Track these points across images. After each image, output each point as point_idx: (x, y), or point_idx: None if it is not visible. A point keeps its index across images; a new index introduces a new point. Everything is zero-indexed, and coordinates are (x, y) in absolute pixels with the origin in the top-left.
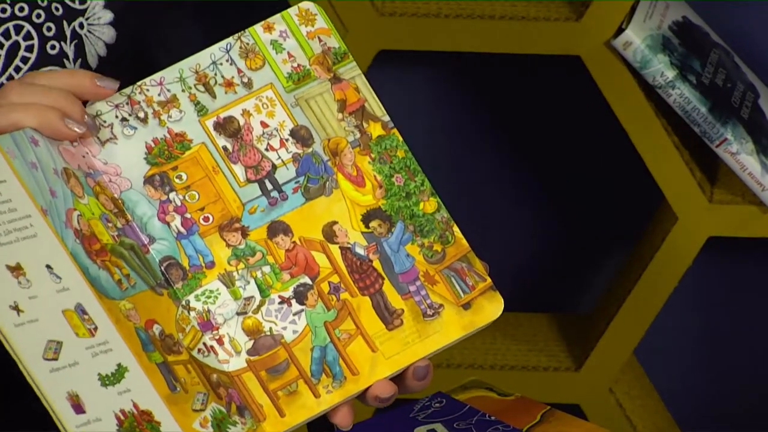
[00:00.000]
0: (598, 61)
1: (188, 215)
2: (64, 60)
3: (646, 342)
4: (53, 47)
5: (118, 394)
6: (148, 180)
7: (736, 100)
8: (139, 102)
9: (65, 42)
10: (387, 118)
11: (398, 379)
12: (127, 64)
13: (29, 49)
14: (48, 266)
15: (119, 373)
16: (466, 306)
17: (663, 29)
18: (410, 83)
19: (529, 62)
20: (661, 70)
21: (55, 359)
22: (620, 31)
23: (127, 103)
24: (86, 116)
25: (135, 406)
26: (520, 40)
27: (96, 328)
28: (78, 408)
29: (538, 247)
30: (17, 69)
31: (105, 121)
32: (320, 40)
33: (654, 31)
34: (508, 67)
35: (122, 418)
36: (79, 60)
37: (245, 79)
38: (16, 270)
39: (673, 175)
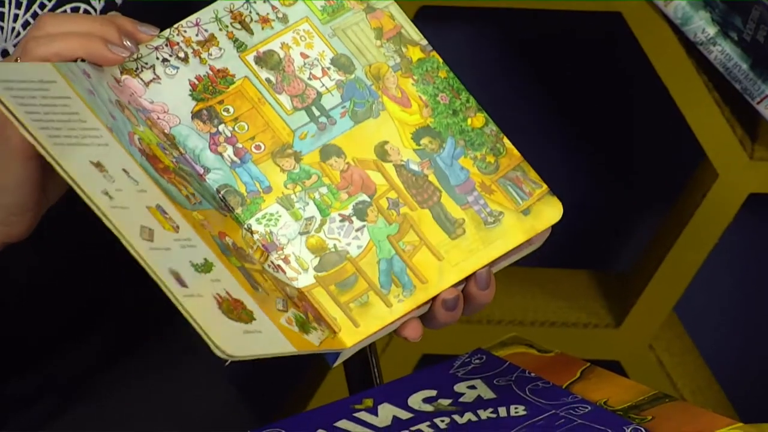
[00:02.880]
0: (640, 17)
1: (240, 145)
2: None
3: (686, 299)
4: None
5: (211, 281)
6: (196, 114)
7: None
8: (177, 43)
9: None
10: (425, 41)
11: (462, 293)
12: (153, 6)
13: None
14: (124, 170)
15: (207, 265)
16: (526, 212)
17: None
18: (451, 39)
19: (571, 19)
20: (702, 26)
21: (151, 240)
22: None
23: (166, 45)
24: (125, 40)
25: (228, 293)
26: None
27: (178, 227)
28: (181, 282)
29: (578, 204)
30: (41, 6)
31: (146, 63)
32: None
33: None
34: (548, 23)
35: (219, 300)
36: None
37: (280, 15)
38: (99, 166)
39: (713, 132)
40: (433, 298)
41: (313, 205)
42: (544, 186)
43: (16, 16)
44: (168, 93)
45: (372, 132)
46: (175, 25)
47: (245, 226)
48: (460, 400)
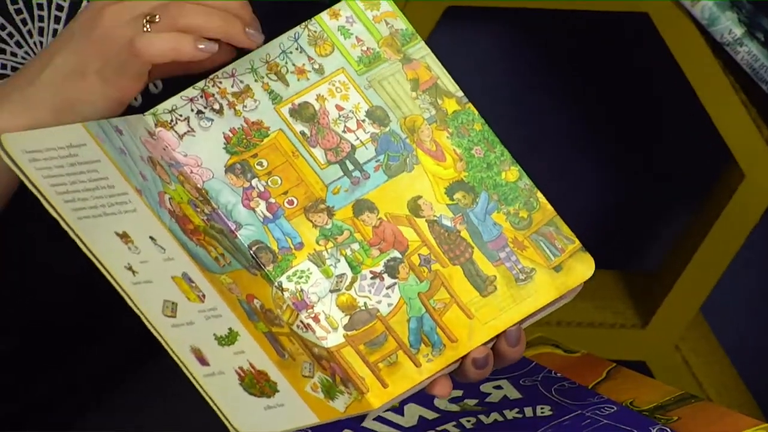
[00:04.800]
0: (667, 18)
1: (272, 200)
2: None
3: (712, 299)
4: None
5: (234, 354)
6: (230, 169)
7: None
8: (213, 94)
9: None
10: (461, 93)
11: (492, 350)
12: None
13: None
14: (151, 237)
15: (232, 336)
16: (558, 268)
17: None
18: (478, 40)
19: (598, 19)
20: (729, 27)
21: (174, 317)
22: None
23: (202, 96)
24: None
25: (251, 365)
26: None
27: (204, 296)
28: (202, 360)
29: (605, 204)
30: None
31: (181, 115)
32: (387, 23)
33: None
34: (575, 24)
35: (242, 374)
36: None
37: (316, 66)
38: (124, 237)
39: (740, 133)
40: (463, 357)
41: (344, 261)
42: (577, 242)
43: (55, 31)
44: (202, 146)
45: (405, 186)
46: (211, 76)
47: (276, 283)
48: (486, 400)
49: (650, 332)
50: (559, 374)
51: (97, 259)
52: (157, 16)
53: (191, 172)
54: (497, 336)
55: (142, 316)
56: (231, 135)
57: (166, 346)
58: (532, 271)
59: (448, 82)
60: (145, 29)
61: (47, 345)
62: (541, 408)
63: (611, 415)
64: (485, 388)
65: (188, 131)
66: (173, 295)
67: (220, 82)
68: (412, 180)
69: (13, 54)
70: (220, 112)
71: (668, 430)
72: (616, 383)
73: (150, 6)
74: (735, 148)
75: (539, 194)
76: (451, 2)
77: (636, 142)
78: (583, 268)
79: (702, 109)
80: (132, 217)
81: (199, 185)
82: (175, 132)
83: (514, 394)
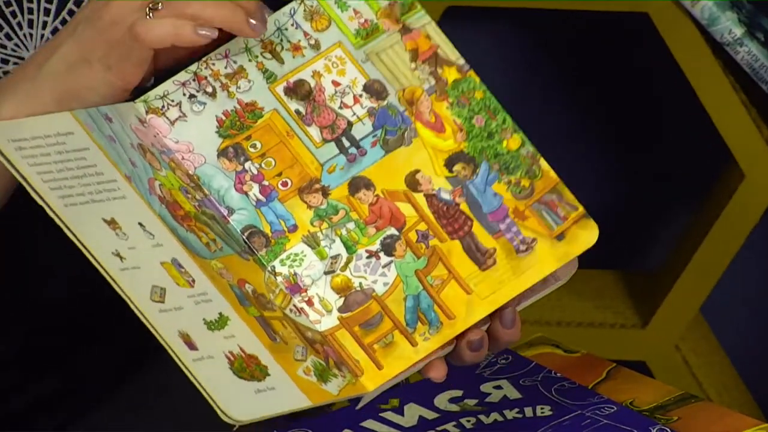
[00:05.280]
0: (667, 18)
1: (266, 182)
2: None
3: (712, 299)
4: None
5: (224, 338)
6: (222, 153)
7: None
8: (206, 77)
9: None
10: (462, 61)
11: (487, 332)
12: None
13: None
14: (140, 224)
15: (222, 320)
16: (560, 237)
17: None
18: (478, 40)
19: (597, 19)
20: (729, 27)
21: (162, 302)
22: None
23: (194, 80)
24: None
25: (242, 350)
26: None
27: (194, 281)
28: (191, 345)
29: (604, 204)
30: (70, 12)
31: (173, 100)
32: None
33: None
34: (575, 24)
35: (231, 358)
36: None
37: (312, 41)
38: (112, 223)
39: (740, 133)
40: (458, 338)
41: (339, 242)
42: (581, 208)
43: (45, 23)
44: (194, 131)
45: (403, 161)
46: (204, 58)
47: (269, 268)
48: (486, 400)
49: (650, 332)
50: (559, 374)
51: (84, 246)
52: (160, 4)
53: (183, 158)
54: (492, 317)
55: (129, 302)
56: (224, 118)
57: (153, 331)
58: (533, 241)
59: (449, 50)
60: (148, 17)
61: (48, 345)
62: (541, 408)
63: (611, 415)
64: (485, 388)
65: (180, 116)
66: (162, 280)
67: (213, 64)
68: (411, 154)
69: (3, 46)
70: (212, 95)
71: (668, 430)
72: (616, 383)
73: None
74: (735, 148)
75: (542, 161)
76: (451, 2)
77: (636, 142)
78: (587, 234)
79: (702, 109)
80: (121, 203)
81: (190, 171)
82: (167, 118)
83: (514, 394)
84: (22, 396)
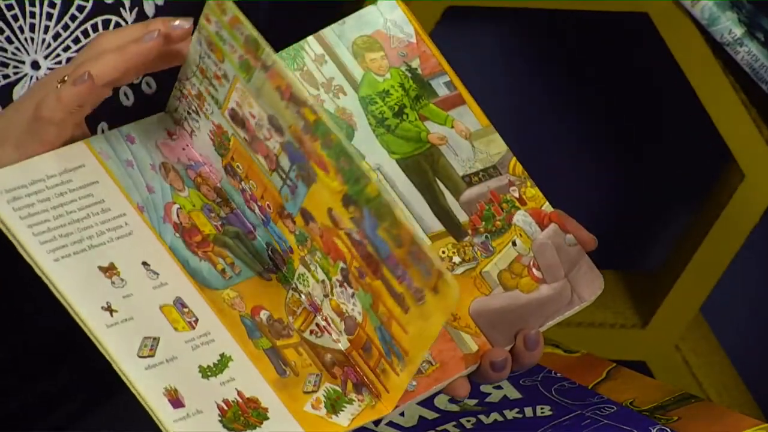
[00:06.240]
0: (667, 18)
1: (259, 203)
2: (120, 9)
3: (712, 299)
4: None
5: (221, 384)
6: (225, 169)
7: None
8: (186, 96)
9: None
10: (311, 101)
11: (511, 352)
12: (187, 11)
13: None
14: (144, 263)
15: (222, 363)
16: (434, 290)
17: None
18: (478, 40)
19: (597, 19)
20: (729, 27)
21: (152, 356)
22: None
23: (182, 98)
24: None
25: (239, 394)
26: None
27: (197, 321)
28: (176, 403)
29: (604, 204)
30: (72, 18)
31: (187, 112)
32: (239, 30)
33: None
34: (575, 24)
35: (225, 408)
36: (136, 9)
37: (221, 72)
38: (110, 270)
39: (740, 133)
40: (482, 357)
41: (319, 267)
42: (435, 266)
43: (47, 28)
44: (204, 146)
45: (319, 197)
46: (179, 76)
47: (293, 285)
48: (486, 400)
49: (650, 332)
50: (559, 374)
51: (69, 304)
52: (66, 76)
53: (210, 171)
54: (516, 338)
55: (111, 361)
56: (213, 136)
57: (134, 390)
58: (422, 292)
59: (298, 89)
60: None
61: (47, 346)
62: (541, 408)
63: (611, 415)
64: (485, 388)
65: (192, 130)
66: (157, 329)
67: (184, 86)
68: (321, 190)
69: (3, 49)
70: (197, 113)
71: (668, 430)
72: (616, 383)
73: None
74: (735, 148)
75: (398, 211)
76: (451, 2)
77: (636, 142)
78: (449, 290)
79: (702, 109)
80: (124, 242)
81: (217, 184)
82: (186, 130)
83: (514, 394)
84: (20, 397)
